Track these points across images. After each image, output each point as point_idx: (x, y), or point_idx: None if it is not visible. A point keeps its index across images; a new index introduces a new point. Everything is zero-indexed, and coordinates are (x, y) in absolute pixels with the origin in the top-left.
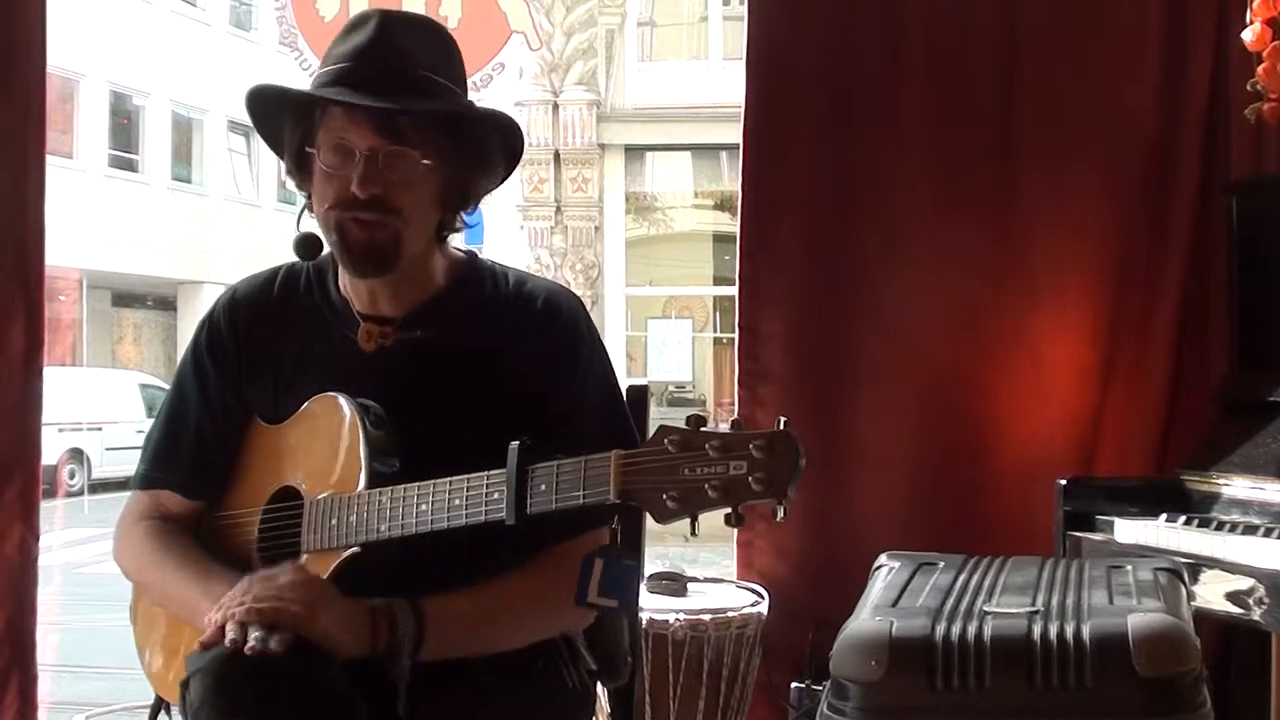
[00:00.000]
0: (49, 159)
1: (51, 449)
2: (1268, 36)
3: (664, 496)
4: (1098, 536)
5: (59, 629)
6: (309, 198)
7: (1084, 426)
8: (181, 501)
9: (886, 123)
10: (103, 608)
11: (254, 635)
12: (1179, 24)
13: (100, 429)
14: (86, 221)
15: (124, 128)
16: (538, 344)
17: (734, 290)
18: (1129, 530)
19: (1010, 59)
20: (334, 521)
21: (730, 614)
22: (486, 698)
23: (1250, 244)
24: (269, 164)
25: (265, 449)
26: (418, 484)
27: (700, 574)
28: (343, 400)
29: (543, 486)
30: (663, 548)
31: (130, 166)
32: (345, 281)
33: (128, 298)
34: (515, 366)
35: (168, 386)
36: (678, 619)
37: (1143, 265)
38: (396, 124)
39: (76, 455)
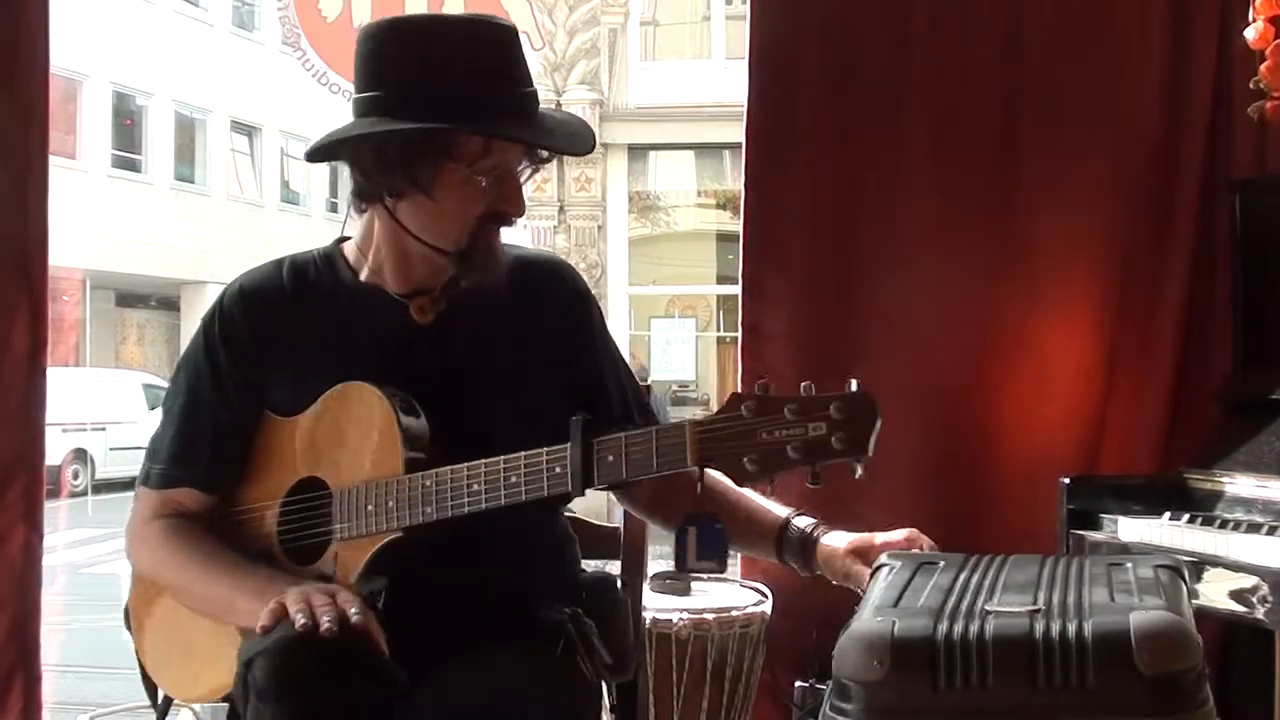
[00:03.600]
0: (52, 159)
1: (55, 449)
2: (1270, 35)
3: (744, 460)
4: (1101, 535)
5: (63, 629)
6: (394, 198)
7: (1087, 425)
8: (198, 498)
9: (890, 122)
10: (106, 608)
11: (327, 619)
12: (1182, 23)
13: (104, 429)
14: (90, 222)
15: (127, 128)
16: (558, 292)
17: (737, 289)
18: (1132, 529)
19: (1013, 58)
20: (370, 508)
21: (734, 613)
22: (505, 679)
23: (1253, 242)
24: (272, 164)
25: (280, 441)
26: (466, 465)
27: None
28: (373, 388)
29: (610, 458)
30: (666, 547)
31: (133, 167)
32: (370, 269)
33: (131, 298)
34: (548, 310)
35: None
36: (681, 618)
37: (1146, 264)
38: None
39: (80, 455)
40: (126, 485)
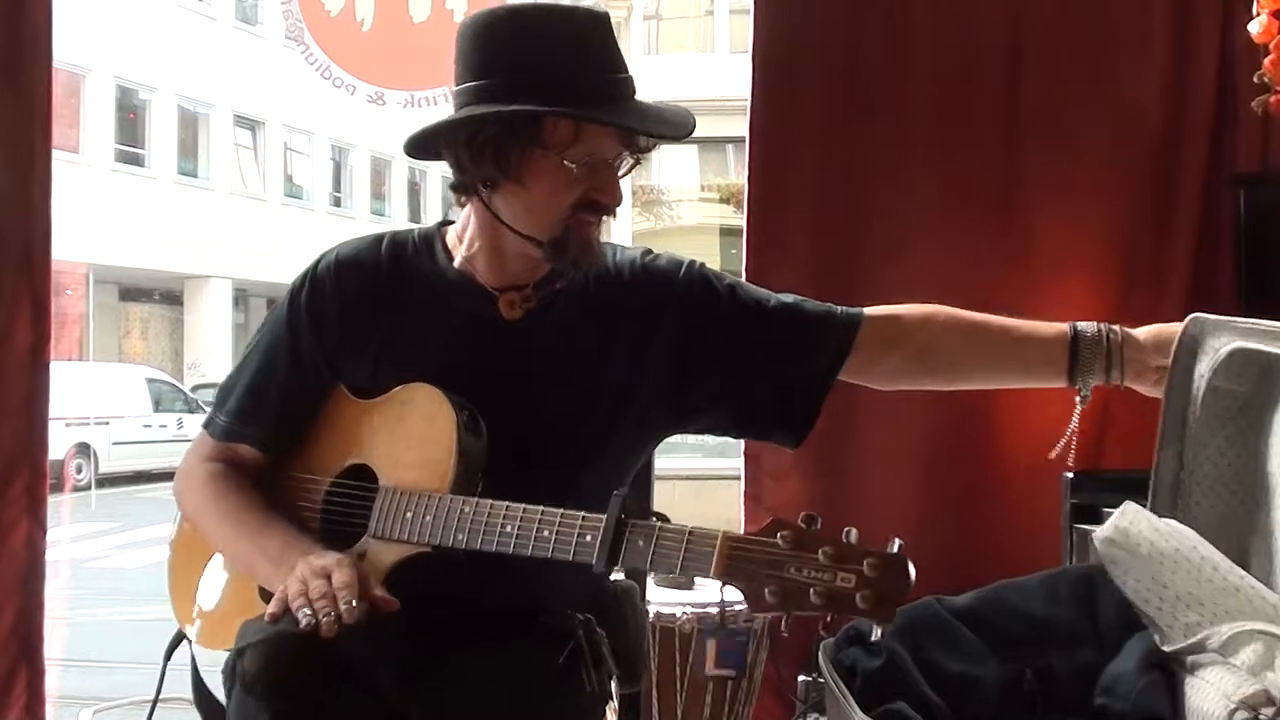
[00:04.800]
0: (55, 153)
1: (58, 444)
2: (1274, 29)
3: (765, 590)
4: None
5: (66, 623)
6: (488, 189)
7: (1091, 420)
8: (255, 454)
9: (893, 117)
10: (110, 602)
11: (325, 621)
12: (1185, 17)
13: (107, 423)
14: (93, 216)
15: (130, 122)
16: (661, 305)
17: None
18: None
19: (1016, 54)
20: (409, 515)
21: (737, 608)
22: (501, 692)
23: (1256, 237)
24: (275, 158)
25: (346, 421)
26: (505, 504)
27: None
28: (444, 397)
29: (640, 543)
30: None
31: (136, 161)
32: (464, 257)
33: (134, 292)
34: (645, 322)
35: (174, 381)
36: (685, 613)
37: (1149, 259)
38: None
39: (83, 450)
40: (130, 480)
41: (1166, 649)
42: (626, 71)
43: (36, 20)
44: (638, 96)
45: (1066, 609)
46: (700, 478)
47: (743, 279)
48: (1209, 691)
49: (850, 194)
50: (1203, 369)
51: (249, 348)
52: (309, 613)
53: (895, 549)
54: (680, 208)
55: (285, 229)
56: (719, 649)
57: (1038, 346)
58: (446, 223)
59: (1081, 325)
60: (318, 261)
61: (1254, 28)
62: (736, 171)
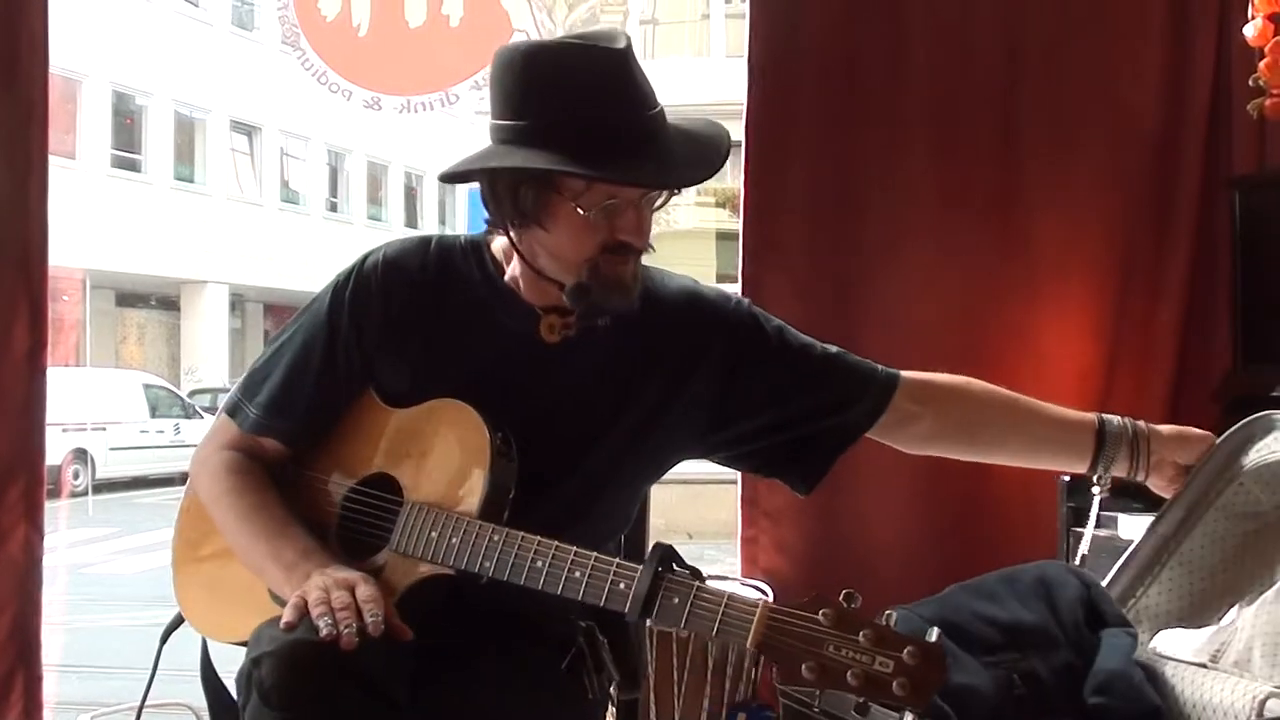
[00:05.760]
0: (52, 159)
1: (55, 449)
2: (1269, 32)
3: (803, 665)
4: (1102, 533)
5: (64, 629)
6: (515, 229)
7: None
8: (279, 448)
9: (889, 120)
10: (107, 607)
11: (347, 629)
12: (1181, 20)
13: (104, 429)
14: (90, 221)
15: (126, 128)
16: (704, 342)
17: (737, 288)
18: (1133, 526)
19: (1012, 57)
20: (434, 534)
21: None
22: (506, 698)
23: (1252, 239)
24: (271, 163)
25: (373, 426)
26: (537, 538)
27: (705, 571)
28: (479, 418)
29: (675, 600)
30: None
31: (133, 166)
32: (514, 270)
33: (131, 297)
34: (687, 357)
35: (171, 387)
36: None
37: (1145, 261)
38: None
39: (80, 455)
40: (127, 485)
41: (1152, 646)
42: (652, 106)
43: (33, 25)
44: (671, 121)
45: (1031, 610)
46: (697, 482)
47: (740, 283)
48: (1229, 683)
49: (846, 198)
50: (1245, 461)
51: (281, 339)
52: (330, 622)
53: (934, 638)
54: (676, 212)
55: (282, 234)
56: None
57: (1065, 431)
58: (493, 230)
59: (1108, 416)
60: (364, 259)
61: (1249, 31)
62: (732, 176)
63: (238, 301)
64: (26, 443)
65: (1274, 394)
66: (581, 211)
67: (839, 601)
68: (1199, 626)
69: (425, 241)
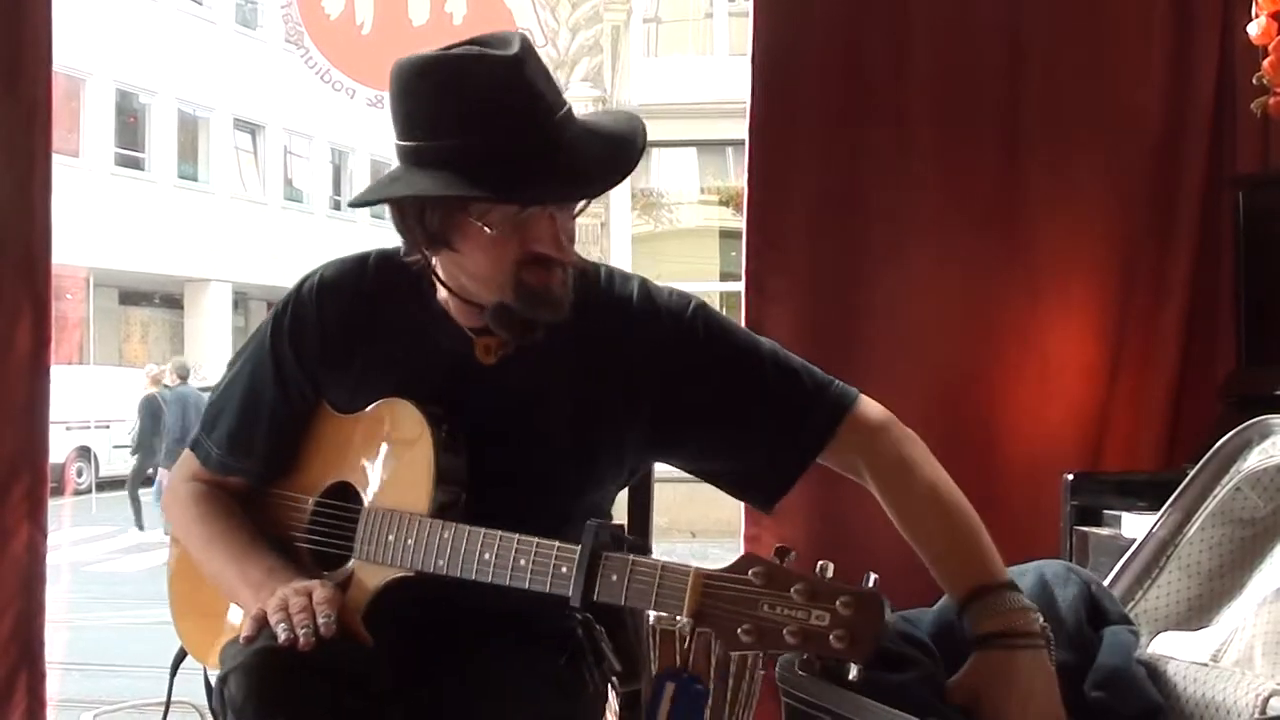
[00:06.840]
0: (55, 157)
1: (59, 447)
2: (1273, 30)
3: (739, 629)
4: (1105, 531)
5: (67, 627)
6: (430, 252)
7: (1090, 422)
8: (244, 484)
9: (893, 119)
10: (110, 606)
11: (304, 631)
12: (1184, 19)
13: (108, 427)
14: (93, 220)
15: (130, 126)
16: (643, 344)
17: (740, 287)
18: (1136, 525)
19: (1016, 57)
20: (390, 538)
21: None
22: (505, 692)
23: (1256, 239)
24: (275, 161)
25: (328, 437)
26: (483, 530)
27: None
28: (421, 415)
29: (614, 577)
30: (669, 544)
31: (136, 165)
32: (445, 294)
33: (134, 296)
34: (624, 364)
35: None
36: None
37: (1149, 261)
38: None
39: (84, 453)
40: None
41: (1150, 650)
42: (557, 108)
43: (36, 24)
44: (584, 116)
45: None
46: (698, 481)
47: (743, 281)
48: (1232, 681)
49: (850, 196)
50: (1242, 467)
51: (233, 370)
52: (286, 627)
53: (870, 584)
54: (680, 210)
55: (285, 232)
56: (676, 694)
57: (953, 576)
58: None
59: (988, 600)
60: (302, 283)
61: (1253, 29)
62: (736, 174)
63: (241, 300)
64: (30, 441)
65: (1276, 393)
66: (490, 230)
67: (770, 559)
68: (1196, 630)
69: (363, 259)
